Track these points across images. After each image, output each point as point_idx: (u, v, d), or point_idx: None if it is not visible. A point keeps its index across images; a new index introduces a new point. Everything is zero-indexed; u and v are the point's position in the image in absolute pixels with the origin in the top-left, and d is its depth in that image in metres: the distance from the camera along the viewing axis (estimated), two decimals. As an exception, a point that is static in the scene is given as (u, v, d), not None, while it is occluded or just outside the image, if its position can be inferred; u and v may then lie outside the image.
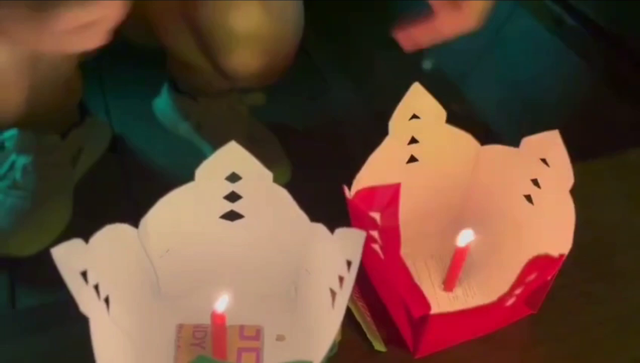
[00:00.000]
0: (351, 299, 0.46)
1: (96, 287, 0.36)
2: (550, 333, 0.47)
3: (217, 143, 0.41)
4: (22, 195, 0.76)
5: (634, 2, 0.83)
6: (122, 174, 0.88)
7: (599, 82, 0.85)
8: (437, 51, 1.13)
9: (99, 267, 0.36)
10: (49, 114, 0.73)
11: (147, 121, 0.93)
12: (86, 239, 0.36)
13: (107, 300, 0.37)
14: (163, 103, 0.92)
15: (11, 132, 0.80)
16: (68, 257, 0.34)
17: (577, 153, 0.56)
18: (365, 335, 0.44)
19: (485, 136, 0.49)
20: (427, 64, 1.08)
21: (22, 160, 0.77)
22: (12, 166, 0.78)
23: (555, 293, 0.46)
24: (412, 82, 0.47)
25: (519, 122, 0.91)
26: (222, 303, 0.37)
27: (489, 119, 0.98)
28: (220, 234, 0.43)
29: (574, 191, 0.43)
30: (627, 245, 0.54)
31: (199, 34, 0.66)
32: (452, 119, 0.48)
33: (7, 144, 0.79)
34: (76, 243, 0.35)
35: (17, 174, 0.76)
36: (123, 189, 0.86)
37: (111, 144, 0.90)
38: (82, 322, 0.34)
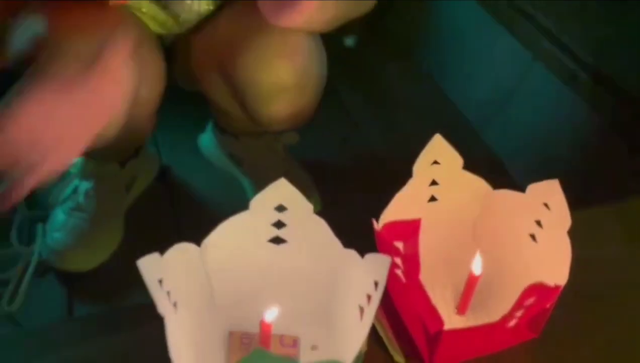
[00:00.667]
0: (376, 317, 0.53)
1: (168, 293, 0.44)
2: (551, 356, 0.53)
3: (255, 177, 0.49)
4: (83, 217, 0.85)
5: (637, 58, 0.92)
6: (169, 201, 0.97)
7: (608, 132, 0.93)
8: (460, 99, 1.22)
9: (171, 277, 0.44)
10: (123, 148, 0.84)
11: (192, 155, 1.02)
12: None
13: (175, 305, 0.45)
14: (207, 139, 1.01)
15: (79, 161, 0.90)
16: (150, 267, 0.42)
17: (583, 198, 0.64)
18: (387, 348, 0.51)
19: (500, 180, 0.56)
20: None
21: (84, 185, 0.86)
22: (75, 190, 0.87)
23: (556, 320, 0.52)
24: (437, 125, 0.55)
25: (532, 168, 0.99)
26: (271, 314, 0.45)
27: (506, 165, 1.06)
28: (267, 256, 0.51)
29: (572, 232, 0.50)
30: (622, 283, 0.60)
31: (234, 87, 0.76)
32: (470, 164, 0.56)
33: (71, 170, 0.89)
34: (155, 257, 0.43)
35: (80, 198, 0.85)
36: (169, 214, 0.95)
37: (159, 174, 0.99)
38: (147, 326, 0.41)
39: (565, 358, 0.53)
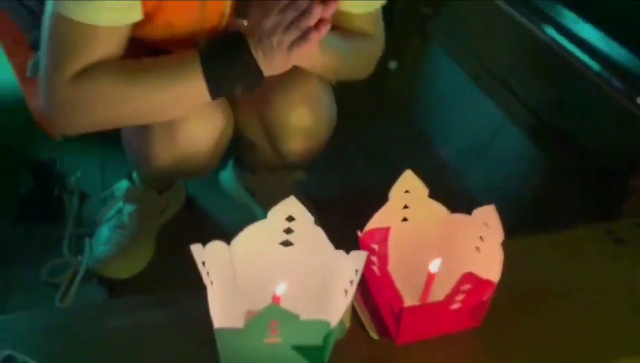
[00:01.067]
0: (356, 304, 0.70)
1: (207, 273, 0.62)
2: (490, 341, 0.70)
3: (266, 207, 0.67)
4: (124, 234, 1.03)
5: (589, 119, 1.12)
6: (193, 225, 1.16)
7: (561, 179, 1.12)
8: (444, 148, 1.41)
9: (209, 262, 0.62)
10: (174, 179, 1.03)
11: (213, 188, 1.21)
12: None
13: (211, 283, 0.62)
14: (227, 175, 1.20)
15: (120, 185, 1.09)
16: (197, 252, 0.60)
17: (532, 227, 0.82)
18: (365, 327, 0.68)
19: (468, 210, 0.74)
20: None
21: (128, 208, 1.05)
22: (119, 211, 1.05)
23: (493, 315, 0.70)
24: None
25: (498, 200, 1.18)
26: (281, 289, 0.63)
27: (477, 200, 1.24)
28: (278, 254, 0.69)
29: (504, 245, 0.68)
30: (550, 292, 0.78)
31: (265, 126, 0.95)
32: (438, 195, 0.74)
33: (116, 193, 1.08)
34: (200, 246, 0.61)
35: (125, 218, 1.04)
36: (193, 235, 1.13)
37: (186, 203, 1.18)
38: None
39: (499, 343, 0.70)
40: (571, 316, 0.75)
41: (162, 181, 1.05)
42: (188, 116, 0.81)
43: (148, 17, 0.74)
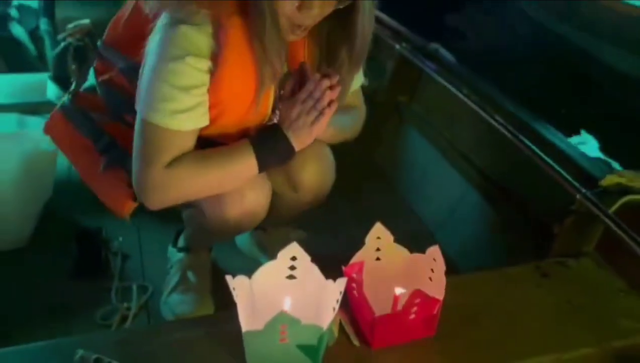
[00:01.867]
0: (341, 316, 0.96)
1: (236, 296, 0.88)
2: (443, 346, 0.95)
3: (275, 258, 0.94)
4: (194, 297, 1.28)
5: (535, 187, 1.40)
6: (215, 277, 1.42)
7: (507, 228, 1.40)
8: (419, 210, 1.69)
9: (237, 289, 0.89)
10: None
11: (231, 248, 1.48)
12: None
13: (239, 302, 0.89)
14: (243, 237, 1.48)
15: (173, 255, 1.35)
16: (230, 281, 0.87)
17: (486, 265, 1.08)
18: (348, 336, 0.94)
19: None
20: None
21: (192, 274, 1.31)
22: (184, 277, 1.30)
23: (443, 326, 0.95)
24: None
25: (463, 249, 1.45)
26: (287, 303, 0.89)
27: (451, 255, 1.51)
28: (284, 285, 0.95)
29: (454, 273, 0.94)
30: (490, 310, 1.03)
31: (290, 176, 1.22)
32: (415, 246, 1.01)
33: (174, 262, 1.34)
34: (230, 277, 0.88)
35: (190, 283, 1.30)
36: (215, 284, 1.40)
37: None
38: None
39: (449, 347, 0.95)
40: (504, 326, 1.01)
41: (214, 242, 1.31)
42: (248, 184, 1.09)
43: (212, 121, 1.04)
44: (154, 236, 1.53)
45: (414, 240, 1.02)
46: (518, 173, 1.44)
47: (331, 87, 1.02)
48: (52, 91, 1.63)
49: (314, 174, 1.22)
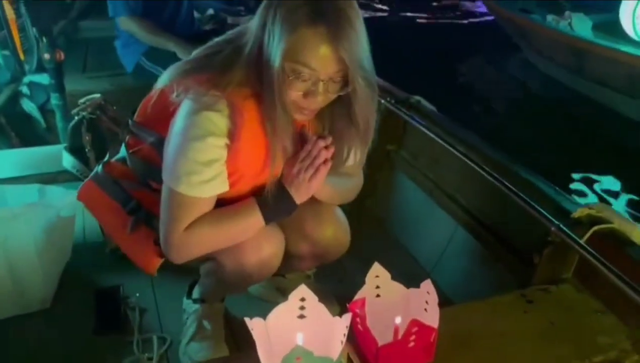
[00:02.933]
0: (348, 348, 1.07)
1: (254, 334, 0.99)
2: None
3: None
4: (210, 344, 1.39)
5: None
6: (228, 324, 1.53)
7: (494, 262, 1.52)
8: (414, 251, 1.82)
9: (255, 329, 1.00)
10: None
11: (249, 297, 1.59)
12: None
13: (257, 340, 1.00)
14: (260, 284, 1.59)
15: (188, 306, 1.46)
16: (248, 322, 0.98)
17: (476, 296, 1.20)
18: (356, 366, 1.05)
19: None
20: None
21: (206, 323, 1.41)
22: (202, 326, 1.41)
23: (440, 353, 1.07)
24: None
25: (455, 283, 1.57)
26: (300, 338, 1.00)
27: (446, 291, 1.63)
28: (296, 323, 1.07)
29: (441, 306, 1.06)
30: (480, 336, 1.15)
31: (306, 238, 1.36)
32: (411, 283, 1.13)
33: (190, 313, 1.45)
34: (249, 320, 1.00)
35: (207, 332, 1.40)
36: (229, 332, 1.50)
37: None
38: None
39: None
40: (496, 349, 1.12)
41: (229, 293, 1.44)
42: (263, 236, 1.22)
43: (230, 186, 1.17)
44: (168, 290, 1.64)
45: (409, 277, 1.14)
46: (499, 209, 1.58)
47: (326, 148, 1.17)
48: (67, 160, 1.76)
49: (331, 234, 1.38)
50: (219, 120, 1.11)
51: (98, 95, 1.81)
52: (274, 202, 1.19)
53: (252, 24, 1.12)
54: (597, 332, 1.16)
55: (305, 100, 1.10)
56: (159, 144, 1.20)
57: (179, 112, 1.13)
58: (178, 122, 1.13)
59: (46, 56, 2.08)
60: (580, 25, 4.72)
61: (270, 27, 1.06)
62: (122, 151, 1.34)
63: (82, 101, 1.80)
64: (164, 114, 1.17)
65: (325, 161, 1.17)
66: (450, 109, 1.94)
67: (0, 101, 2.27)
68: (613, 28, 4.59)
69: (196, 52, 1.19)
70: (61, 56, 2.12)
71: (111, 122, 1.81)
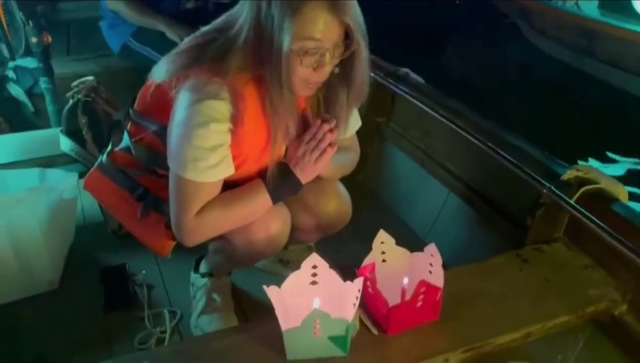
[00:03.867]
0: (360, 311, 1.13)
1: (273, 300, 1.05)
2: (446, 327, 1.13)
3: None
4: (221, 316, 1.44)
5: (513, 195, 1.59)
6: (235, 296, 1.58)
7: (487, 225, 1.59)
8: (408, 219, 1.88)
9: (273, 297, 1.05)
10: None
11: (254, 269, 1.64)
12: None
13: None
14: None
15: (196, 280, 1.51)
16: (267, 290, 1.04)
17: (471, 259, 1.27)
18: (367, 327, 1.11)
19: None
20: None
21: (217, 296, 1.47)
22: (211, 299, 1.46)
23: (444, 310, 1.13)
24: (393, 234, 1.18)
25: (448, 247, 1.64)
26: (317, 302, 1.06)
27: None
28: (309, 289, 1.12)
29: (451, 272, 1.12)
30: (480, 294, 1.22)
31: (311, 211, 1.41)
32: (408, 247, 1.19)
33: (199, 286, 1.49)
34: (266, 287, 1.05)
35: (217, 304, 1.45)
36: (237, 303, 1.56)
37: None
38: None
39: (452, 327, 1.13)
40: (495, 306, 1.19)
41: (237, 268, 1.49)
42: (271, 215, 1.26)
43: (236, 168, 1.20)
44: (173, 265, 1.68)
45: (404, 245, 1.20)
46: (490, 175, 1.65)
47: (331, 131, 1.21)
48: (65, 143, 1.78)
49: (335, 207, 1.43)
50: (220, 106, 1.13)
51: (91, 77, 1.82)
52: (280, 182, 1.23)
53: (242, 10, 1.13)
54: (588, 286, 1.25)
55: (315, 73, 1.13)
56: (162, 132, 1.22)
57: (179, 102, 1.15)
58: (180, 112, 1.15)
59: (33, 39, 2.07)
60: (587, 5, 4.56)
61: (267, 10, 1.08)
62: (126, 140, 1.36)
63: (75, 84, 1.81)
64: (164, 102, 1.18)
65: (331, 144, 1.22)
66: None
67: (-13, 86, 2.25)
68: (621, 6, 4.43)
69: (186, 42, 1.21)
70: (48, 39, 2.11)
71: (106, 104, 1.82)
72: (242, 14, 1.14)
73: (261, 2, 1.09)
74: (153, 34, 2.36)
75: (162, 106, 1.20)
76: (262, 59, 1.11)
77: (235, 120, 1.15)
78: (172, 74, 1.16)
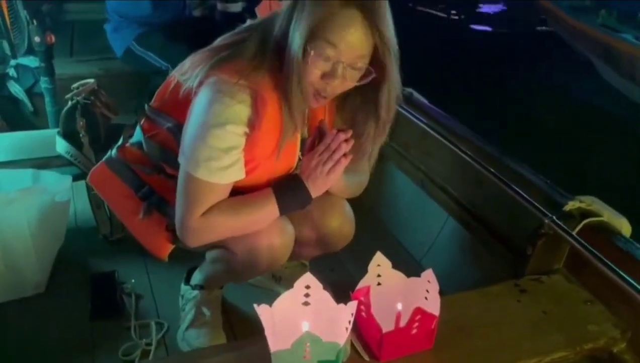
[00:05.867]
0: (352, 336, 1.10)
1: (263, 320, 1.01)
2: (440, 356, 1.10)
3: (289, 289, 1.08)
4: (209, 331, 1.41)
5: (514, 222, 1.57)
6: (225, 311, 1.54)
7: (485, 252, 1.56)
8: (406, 241, 1.85)
9: (264, 316, 1.02)
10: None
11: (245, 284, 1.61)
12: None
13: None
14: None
15: (187, 293, 1.47)
16: (257, 309, 1.00)
17: (469, 286, 1.24)
18: (358, 352, 1.08)
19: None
20: None
21: (206, 310, 1.43)
22: (200, 313, 1.42)
23: (439, 340, 1.10)
24: (390, 257, 1.16)
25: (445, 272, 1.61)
26: (305, 326, 1.03)
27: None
28: (300, 310, 1.09)
29: (448, 298, 1.09)
30: (477, 323, 1.19)
31: (315, 227, 1.38)
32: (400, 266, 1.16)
33: (189, 299, 1.45)
34: (257, 306, 1.02)
35: (206, 318, 1.42)
36: (226, 318, 1.52)
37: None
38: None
39: (445, 356, 1.10)
40: (492, 337, 1.16)
41: (232, 281, 1.46)
42: (275, 229, 1.24)
43: (247, 173, 1.18)
44: (162, 276, 1.65)
45: (399, 267, 1.16)
46: (491, 201, 1.62)
47: (346, 141, 1.18)
48: (61, 145, 1.75)
49: (338, 224, 1.40)
50: (239, 109, 1.11)
51: (92, 80, 1.79)
52: (290, 194, 1.21)
53: (282, 9, 1.13)
54: (587, 321, 1.21)
55: (322, 81, 1.11)
56: (177, 130, 1.20)
57: (198, 99, 1.14)
58: (198, 109, 1.13)
59: (37, 39, 2.05)
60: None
61: (300, 6, 1.08)
62: (138, 135, 1.33)
63: (75, 85, 1.79)
64: (182, 100, 1.17)
65: (345, 155, 1.19)
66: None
67: (-13, 83, 2.23)
68: None
69: (221, 39, 1.19)
70: (52, 39, 2.09)
71: (105, 108, 1.80)
72: (280, 13, 1.13)
73: (297, 2, 1.08)
74: (157, 39, 2.35)
75: (180, 104, 1.18)
76: (286, 56, 1.10)
77: (253, 124, 1.13)
78: (204, 72, 1.14)
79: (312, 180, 1.20)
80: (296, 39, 1.07)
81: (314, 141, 1.22)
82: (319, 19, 1.06)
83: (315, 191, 1.22)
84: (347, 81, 1.12)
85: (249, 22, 1.20)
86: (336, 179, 1.22)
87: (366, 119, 1.21)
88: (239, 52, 1.13)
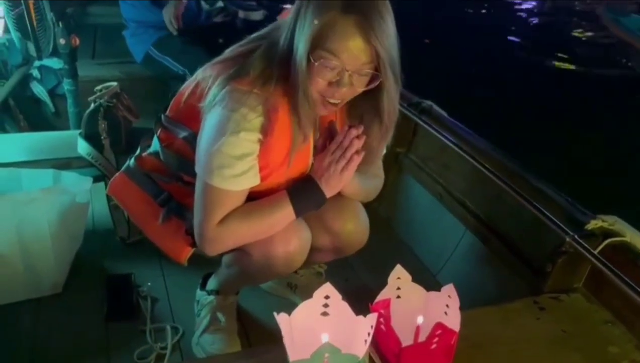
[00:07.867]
0: (370, 349, 1.10)
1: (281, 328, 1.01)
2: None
3: (304, 297, 1.08)
4: (224, 337, 1.41)
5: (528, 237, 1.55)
6: (240, 318, 1.54)
7: (503, 269, 1.55)
8: (422, 254, 1.84)
9: (283, 325, 1.02)
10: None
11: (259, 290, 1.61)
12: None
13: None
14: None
15: (202, 298, 1.47)
16: (276, 316, 1.00)
17: (487, 303, 1.23)
18: (377, 365, 1.07)
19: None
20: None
21: (221, 316, 1.44)
22: (216, 318, 1.43)
23: (459, 355, 1.09)
24: (406, 269, 1.15)
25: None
26: (325, 337, 1.02)
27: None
28: (320, 321, 1.09)
29: (467, 314, 1.08)
30: (496, 341, 1.18)
31: (330, 231, 1.38)
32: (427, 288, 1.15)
33: (204, 304, 1.46)
34: (276, 314, 1.01)
35: (221, 324, 1.42)
36: (241, 325, 1.52)
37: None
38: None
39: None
40: (510, 354, 1.15)
41: (248, 285, 1.46)
42: (292, 232, 1.24)
43: (262, 179, 1.19)
44: (179, 280, 1.65)
45: (415, 280, 1.15)
46: (510, 217, 1.61)
47: (358, 137, 1.18)
48: (82, 147, 1.76)
49: (353, 227, 1.40)
50: (252, 117, 1.13)
51: (115, 83, 1.81)
52: (304, 195, 1.21)
53: (288, 18, 1.14)
54: (607, 342, 1.20)
55: (329, 89, 1.12)
56: (192, 139, 1.21)
57: (213, 109, 1.15)
58: (212, 119, 1.15)
59: (62, 41, 2.08)
60: None
61: (303, 16, 1.09)
62: (155, 145, 1.35)
63: (98, 88, 1.81)
64: (197, 110, 1.18)
65: (357, 151, 1.19)
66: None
67: (11, 83, 2.25)
68: None
69: (231, 50, 1.21)
70: (76, 41, 2.12)
71: (126, 111, 1.81)
72: (285, 21, 1.14)
73: (301, 7, 1.09)
74: (175, 44, 2.37)
75: (194, 114, 1.19)
76: (292, 69, 1.11)
77: (266, 131, 1.14)
78: (218, 86, 1.15)
79: (325, 179, 1.20)
80: (299, 50, 1.09)
81: (325, 142, 1.22)
82: (320, 29, 1.06)
83: (329, 190, 1.22)
84: (355, 87, 1.12)
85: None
86: (349, 177, 1.22)
87: (371, 123, 1.22)
88: (250, 64, 1.14)
